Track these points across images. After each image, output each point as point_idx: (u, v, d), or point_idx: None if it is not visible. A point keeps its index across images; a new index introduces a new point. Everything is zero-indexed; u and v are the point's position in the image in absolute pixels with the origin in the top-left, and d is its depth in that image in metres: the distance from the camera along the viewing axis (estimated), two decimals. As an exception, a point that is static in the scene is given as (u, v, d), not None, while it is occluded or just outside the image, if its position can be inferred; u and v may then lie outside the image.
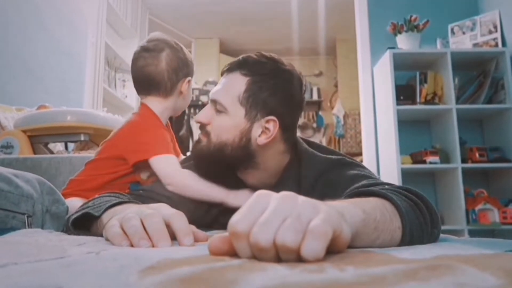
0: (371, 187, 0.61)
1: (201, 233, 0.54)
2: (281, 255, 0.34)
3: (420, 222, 0.57)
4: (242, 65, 0.85)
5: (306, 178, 0.83)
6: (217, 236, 0.38)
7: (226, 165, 0.85)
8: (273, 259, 0.34)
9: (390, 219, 0.53)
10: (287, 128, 0.85)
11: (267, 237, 0.33)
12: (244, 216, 0.36)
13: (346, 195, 0.64)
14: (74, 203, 0.95)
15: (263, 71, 0.83)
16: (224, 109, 0.83)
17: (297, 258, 0.33)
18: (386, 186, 0.63)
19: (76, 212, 0.70)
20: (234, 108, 0.83)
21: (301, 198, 0.37)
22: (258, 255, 0.34)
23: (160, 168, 0.95)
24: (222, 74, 0.89)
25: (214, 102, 0.85)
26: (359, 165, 0.85)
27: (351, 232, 0.39)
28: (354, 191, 0.62)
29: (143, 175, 1.04)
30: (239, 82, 0.83)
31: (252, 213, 0.36)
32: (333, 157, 0.86)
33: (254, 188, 0.88)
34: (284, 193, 0.37)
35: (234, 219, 0.36)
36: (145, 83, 1.05)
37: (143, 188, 0.97)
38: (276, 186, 0.87)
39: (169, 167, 0.95)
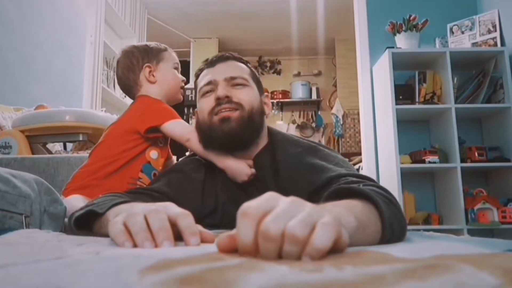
0: (353, 185, 0.63)
1: (207, 233, 0.53)
2: (286, 246, 0.35)
3: (398, 219, 0.61)
4: (232, 57, 1.01)
5: (280, 162, 0.93)
6: (225, 234, 0.39)
7: (254, 135, 0.95)
8: (274, 251, 0.35)
9: (374, 223, 0.57)
10: (271, 109, 1.04)
11: (278, 226, 0.35)
12: (256, 204, 0.37)
13: (331, 192, 0.67)
14: (74, 202, 0.95)
15: (247, 61, 1.04)
16: (247, 82, 0.96)
17: (298, 253, 0.35)
18: (369, 185, 0.66)
19: (80, 209, 0.70)
20: (251, 82, 0.98)
21: (309, 204, 0.39)
22: (262, 244, 0.35)
23: (174, 129, 1.05)
24: (212, 64, 1.00)
25: (233, 78, 0.95)
26: (331, 154, 0.94)
27: (348, 237, 0.41)
28: (338, 187, 0.64)
29: (153, 155, 1.09)
30: (242, 66, 1.00)
31: (263, 204, 0.37)
32: (306, 141, 0.98)
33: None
34: (293, 198, 0.39)
35: (246, 204, 0.37)
36: (125, 91, 1.21)
37: (142, 188, 0.98)
38: (255, 168, 0.96)
39: (184, 128, 1.05)
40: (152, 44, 1.20)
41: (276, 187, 0.88)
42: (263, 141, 0.99)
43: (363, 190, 0.60)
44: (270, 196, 0.39)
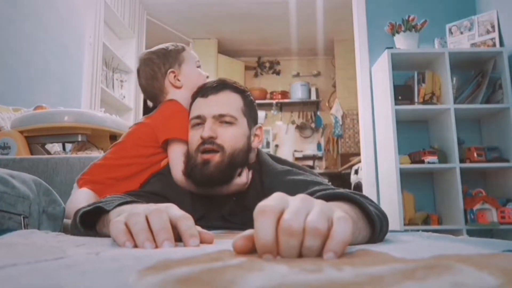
0: (335, 190, 0.65)
1: (207, 234, 0.53)
2: (309, 240, 0.36)
3: (381, 220, 0.62)
4: (226, 86, 1.00)
5: (264, 183, 0.97)
6: (240, 235, 0.39)
7: (233, 174, 0.96)
8: (297, 247, 0.36)
9: (361, 218, 0.59)
10: (262, 140, 1.06)
11: (300, 220, 0.36)
12: (272, 202, 0.38)
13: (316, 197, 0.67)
14: (83, 196, 0.96)
15: (243, 90, 1.02)
16: (235, 120, 0.96)
17: (320, 248, 0.36)
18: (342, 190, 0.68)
19: (87, 206, 0.70)
20: (241, 119, 0.98)
21: (318, 200, 0.41)
22: (284, 241, 0.36)
23: (171, 159, 1.03)
24: (205, 95, 1.00)
25: (222, 116, 0.95)
26: (307, 171, 1.00)
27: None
28: (323, 193, 0.64)
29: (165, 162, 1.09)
30: (236, 98, 0.99)
31: (278, 203, 0.38)
32: (286, 167, 1.01)
33: (229, 196, 0.99)
34: (302, 195, 0.41)
35: (262, 203, 0.38)
36: (151, 99, 1.17)
37: (143, 191, 0.98)
38: (247, 191, 0.99)
39: (176, 161, 1.01)
40: (169, 46, 1.16)
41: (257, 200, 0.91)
42: (246, 170, 1.01)
43: (342, 192, 0.62)
44: (280, 196, 0.40)
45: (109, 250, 0.45)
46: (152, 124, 1.08)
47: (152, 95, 1.14)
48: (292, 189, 0.85)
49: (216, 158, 0.94)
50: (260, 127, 1.04)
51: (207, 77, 1.18)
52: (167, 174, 1.02)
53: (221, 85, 1.00)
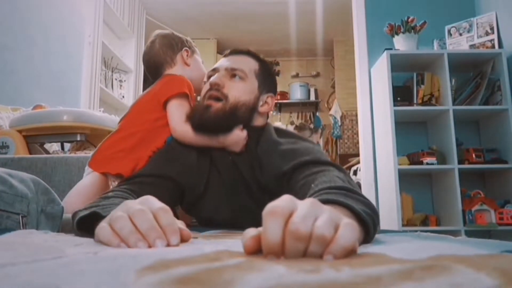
0: (330, 195, 0.62)
1: (185, 231, 0.53)
2: (313, 246, 0.36)
3: (373, 221, 0.62)
4: (248, 53, 1.07)
5: (259, 149, 0.99)
6: (249, 236, 0.40)
7: (232, 125, 0.98)
8: (301, 251, 0.36)
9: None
10: (272, 109, 1.09)
11: (308, 225, 0.37)
12: (281, 204, 0.38)
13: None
14: (90, 182, 0.99)
15: (263, 59, 1.09)
16: (245, 76, 1.01)
17: (322, 252, 0.37)
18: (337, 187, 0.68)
19: (84, 209, 0.69)
20: (252, 78, 1.03)
21: (326, 206, 0.41)
22: (290, 244, 0.36)
23: (170, 115, 1.06)
24: (227, 55, 1.08)
25: (233, 69, 1.01)
26: (306, 141, 1.00)
27: None
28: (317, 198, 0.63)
29: None
30: (252, 61, 1.06)
31: (287, 204, 0.38)
32: (284, 139, 1.01)
33: (225, 154, 1.02)
34: (312, 199, 0.41)
35: (273, 203, 0.38)
36: (152, 68, 1.21)
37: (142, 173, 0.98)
38: (242, 154, 1.01)
39: (176, 118, 1.05)
40: (188, 38, 1.29)
41: (255, 161, 0.97)
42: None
43: (338, 200, 0.59)
44: (290, 198, 0.40)
45: (107, 250, 0.45)
46: (154, 90, 1.13)
47: (161, 61, 1.20)
48: (282, 157, 0.90)
49: (218, 105, 0.98)
50: (272, 97, 1.07)
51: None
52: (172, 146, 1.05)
53: (245, 51, 1.08)
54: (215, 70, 1.04)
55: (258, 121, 1.05)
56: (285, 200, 0.39)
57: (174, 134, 1.05)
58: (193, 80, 1.19)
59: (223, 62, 1.05)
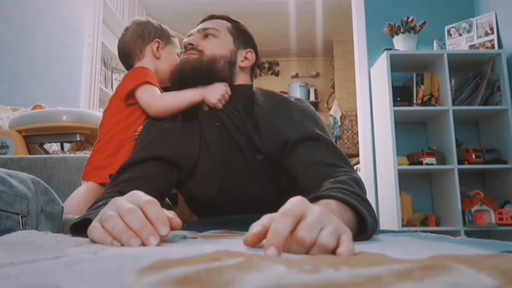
0: (331, 191, 0.65)
1: (175, 219, 0.53)
2: (315, 252, 0.41)
3: (371, 214, 0.66)
4: (221, 17, 1.10)
5: (260, 101, 0.98)
6: (253, 232, 0.44)
7: (211, 78, 0.99)
8: (304, 253, 0.41)
9: (347, 219, 0.62)
10: (254, 66, 1.09)
11: (313, 235, 0.41)
12: (294, 207, 0.43)
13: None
14: (86, 189, 0.98)
15: (234, 20, 1.10)
16: (217, 32, 1.03)
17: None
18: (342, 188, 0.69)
19: (77, 218, 0.69)
20: (225, 34, 1.04)
21: (334, 217, 0.46)
22: (295, 248, 0.41)
23: (142, 99, 1.05)
24: (200, 23, 1.09)
25: (205, 29, 1.03)
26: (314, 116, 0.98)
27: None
28: (318, 194, 0.65)
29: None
30: (225, 22, 1.07)
31: (300, 208, 0.43)
32: (285, 96, 1.02)
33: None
34: (321, 208, 0.45)
35: (286, 207, 0.43)
36: (123, 57, 1.19)
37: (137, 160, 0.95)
38: (223, 110, 1.00)
39: (148, 96, 1.04)
40: (164, 27, 1.23)
41: (250, 124, 0.95)
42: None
43: (341, 197, 0.63)
44: (302, 202, 0.45)
45: (107, 250, 0.45)
46: (118, 89, 1.11)
47: (130, 51, 1.17)
48: (289, 121, 0.90)
49: (194, 56, 1.00)
50: (252, 52, 1.07)
51: None
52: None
53: (217, 16, 1.10)
54: (189, 36, 1.05)
55: (241, 79, 1.05)
56: (298, 204, 0.44)
57: (152, 110, 1.02)
58: (163, 73, 1.16)
59: (196, 28, 1.07)
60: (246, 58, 1.06)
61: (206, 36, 1.03)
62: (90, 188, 1.01)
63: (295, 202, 0.44)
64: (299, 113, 0.93)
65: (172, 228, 0.51)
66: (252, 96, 1.01)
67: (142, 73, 1.09)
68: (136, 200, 0.52)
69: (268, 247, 0.39)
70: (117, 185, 0.86)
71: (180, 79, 1.01)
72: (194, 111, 1.02)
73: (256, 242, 0.44)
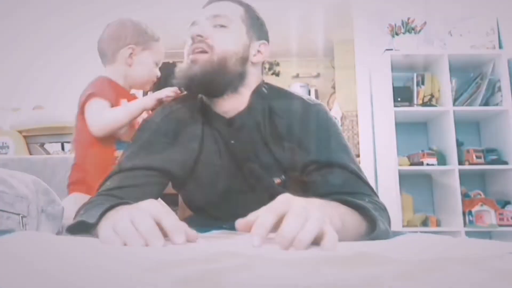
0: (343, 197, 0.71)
1: (191, 231, 0.53)
2: (295, 244, 0.47)
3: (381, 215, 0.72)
4: None
5: (275, 109, 0.89)
6: (245, 219, 0.52)
7: (221, 82, 0.85)
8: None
9: (356, 219, 0.68)
10: (266, 58, 0.95)
11: (294, 233, 0.47)
12: (279, 204, 0.51)
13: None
14: (73, 200, 0.96)
15: (248, 4, 0.94)
16: (229, 22, 0.87)
17: None
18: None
19: (72, 223, 0.69)
20: (237, 23, 0.88)
21: (314, 213, 0.49)
22: (277, 241, 0.47)
23: (86, 117, 1.02)
24: (206, 4, 0.93)
25: (215, 16, 0.87)
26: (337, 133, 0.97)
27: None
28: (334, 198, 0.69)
29: (120, 130, 1.06)
30: (237, 6, 0.91)
31: (282, 206, 0.50)
32: (300, 96, 0.93)
33: (225, 116, 0.90)
34: (304, 204, 0.51)
35: (271, 204, 0.51)
36: (99, 55, 1.14)
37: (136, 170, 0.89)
38: (246, 112, 0.89)
39: (89, 115, 1.00)
40: (149, 30, 1.15)
41: (272, 141, 0.88)
42: (247, 91, 0.90)
43: (355, 202, 0.69)
44: (286, 199, 0.52)
45: (108, 250, 0.45)
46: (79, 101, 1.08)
47: (103, 52, 1.12)
48: (317, 141, 0.88)
49: (203, 57, 0.84)
50: (265, 44, 0.93)
51: (157, 76, 1.17)
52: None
53: None
54: (194, 24, 0.89)
55: (252, 76, 0.91)
56: (282, 202, 0.51)
57: (92, 130, 0.99)
58: (133, 80, 1.12)
59: (202, 12, 0.90)
60: (259, 51, 0.91)
61: (216, 25, 0.87)
62: (76, 201, 0.98)
63: (280, 200, 0.52)
64: (322, 130, 0.91)
65: (188, 239, 0.51)
66: (269, 104, 0.91)
67: (96, 85, 1.05)
68: (154, 209, 0.52)
69: (252, 234, 0.47)
70: (107, 191, 0.82)
71: (191, 84, 0.87)
72: (202, 113, 0.92)
73: (244, 228, 0.51)
